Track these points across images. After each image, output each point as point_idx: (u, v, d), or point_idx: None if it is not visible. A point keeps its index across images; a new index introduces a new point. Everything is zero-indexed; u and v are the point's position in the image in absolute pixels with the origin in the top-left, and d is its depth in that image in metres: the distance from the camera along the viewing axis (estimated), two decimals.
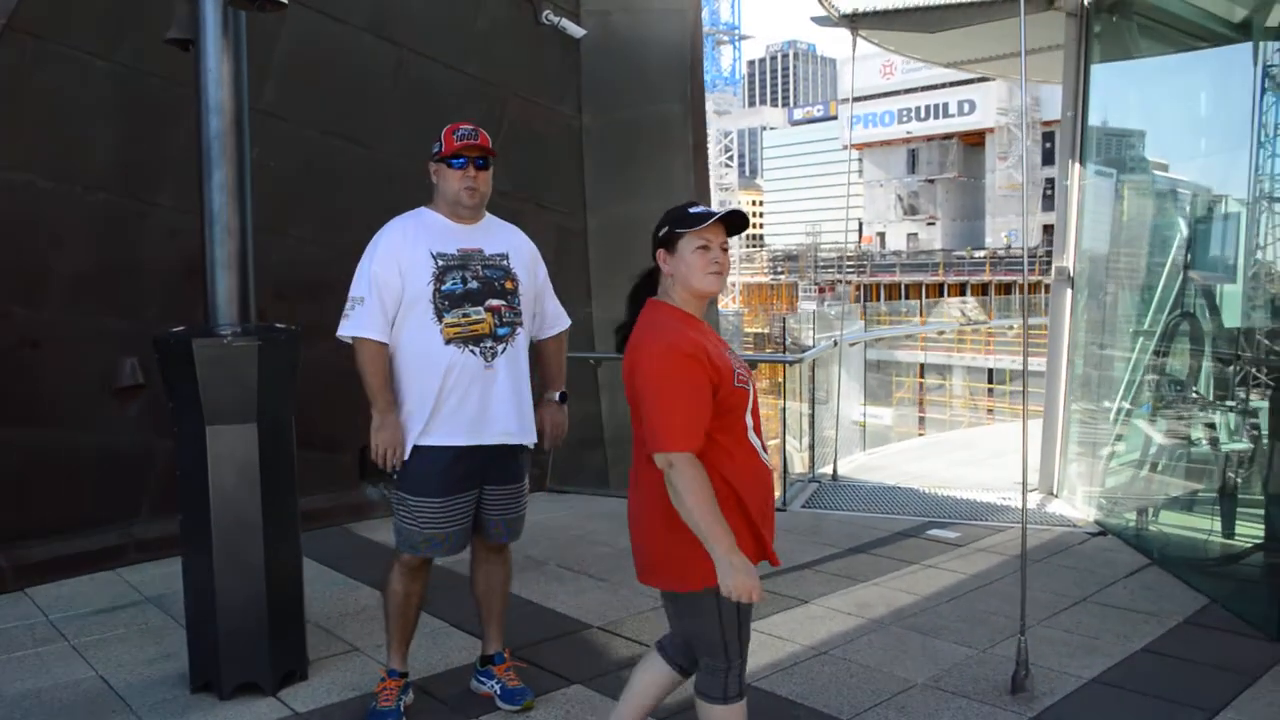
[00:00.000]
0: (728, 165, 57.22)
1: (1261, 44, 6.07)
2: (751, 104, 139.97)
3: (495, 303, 3.52)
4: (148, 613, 4.83)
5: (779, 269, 59.43)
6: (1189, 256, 6.62)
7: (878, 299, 48.68)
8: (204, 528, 3.71)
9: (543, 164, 7.46)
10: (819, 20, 7.89)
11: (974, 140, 57.56)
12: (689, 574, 2.62)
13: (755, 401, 2.71)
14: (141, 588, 5.20)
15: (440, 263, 3.47)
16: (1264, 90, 5.83)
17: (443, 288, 3.44)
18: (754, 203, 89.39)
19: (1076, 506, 6.90)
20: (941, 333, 34.34)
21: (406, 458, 3.47)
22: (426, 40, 6.86)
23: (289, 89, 6.15)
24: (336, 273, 6.47)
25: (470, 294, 3.49)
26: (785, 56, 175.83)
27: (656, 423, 2.55)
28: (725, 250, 2.71)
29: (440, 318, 3.43)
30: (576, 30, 7.50)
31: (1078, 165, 7.26)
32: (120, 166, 5.60)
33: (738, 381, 2.63)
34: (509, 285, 3.58)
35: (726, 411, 2.61)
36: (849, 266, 41.40)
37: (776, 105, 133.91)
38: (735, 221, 2.71)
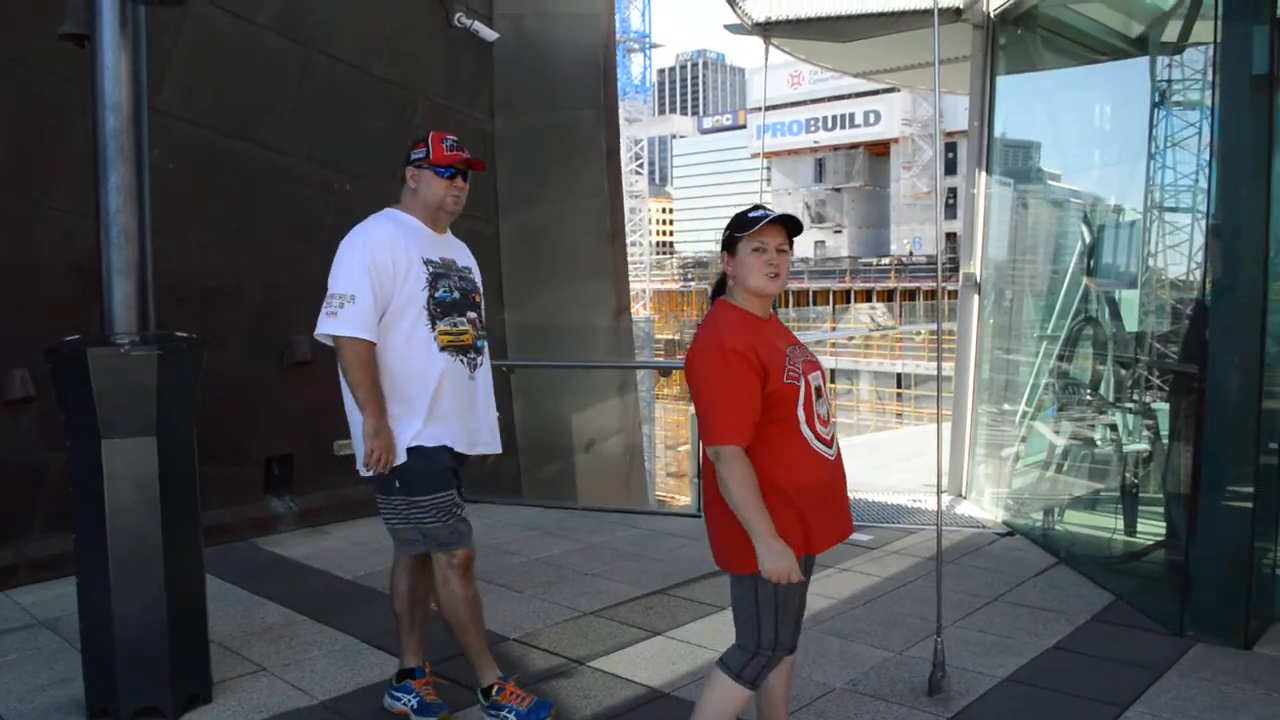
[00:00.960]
0: (638, 173, 57.32)
1: (1157, 59, 6.27)
2: (662, 112, 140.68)
3: (472, 315, 3.59)
4: (40, 636, 4.61)
5: (689, 276, 59.77)
6: (1089, 264, 6.80)
7: (787, 305, 49.27)
8: (100, 546, 3.54)
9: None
10: (732, 28, 7.92)
11: (879, 150, 58.64)
12: (736, 557, 2.76)
13: (809, 394, 2.78)
14: (33, 610, 4.98)
15: (430, 268, 3.49)
16: (1161, 107, 6.03)
17: (436, 294, 3.47)
18: (664, 210, 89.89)
19: (985, 508, 7.02)
20: (850, 338, 34.91)
21: (400, 461, 3.42)
22: (334, 41, 6.71)
23: (190, 88, 5.96)
24: (240, 278, 6.34)
25: (456, 304, 3.53)
26: (695, 65, 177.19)
27: (705, 417, 2.73)
28: (782, 252, 2.84)
29: (434, 324, 3.45)
30: (489, 34, 7.41)
31: (984, 174, 7.40)
32: (10, 166, 5.35)
33: (787, 377, 2.74)
34: (477, 299, 3.65)
35: (776, 405, 2.72)
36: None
37: (686, 114, 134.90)
38: (790, 224, 2.85)
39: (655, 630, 4.59)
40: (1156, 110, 6.07)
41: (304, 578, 5.58)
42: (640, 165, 58.40)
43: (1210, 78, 4.82)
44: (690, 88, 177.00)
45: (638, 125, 59.54)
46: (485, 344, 3.66)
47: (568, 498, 8.73)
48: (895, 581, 5.30)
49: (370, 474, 3.47)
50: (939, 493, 4.14)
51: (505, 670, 3.85)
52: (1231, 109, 4.49)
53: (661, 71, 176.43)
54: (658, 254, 71.30)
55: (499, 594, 5.15)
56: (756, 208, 2.87)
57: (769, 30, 7.63)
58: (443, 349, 3.46)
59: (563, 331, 8.91)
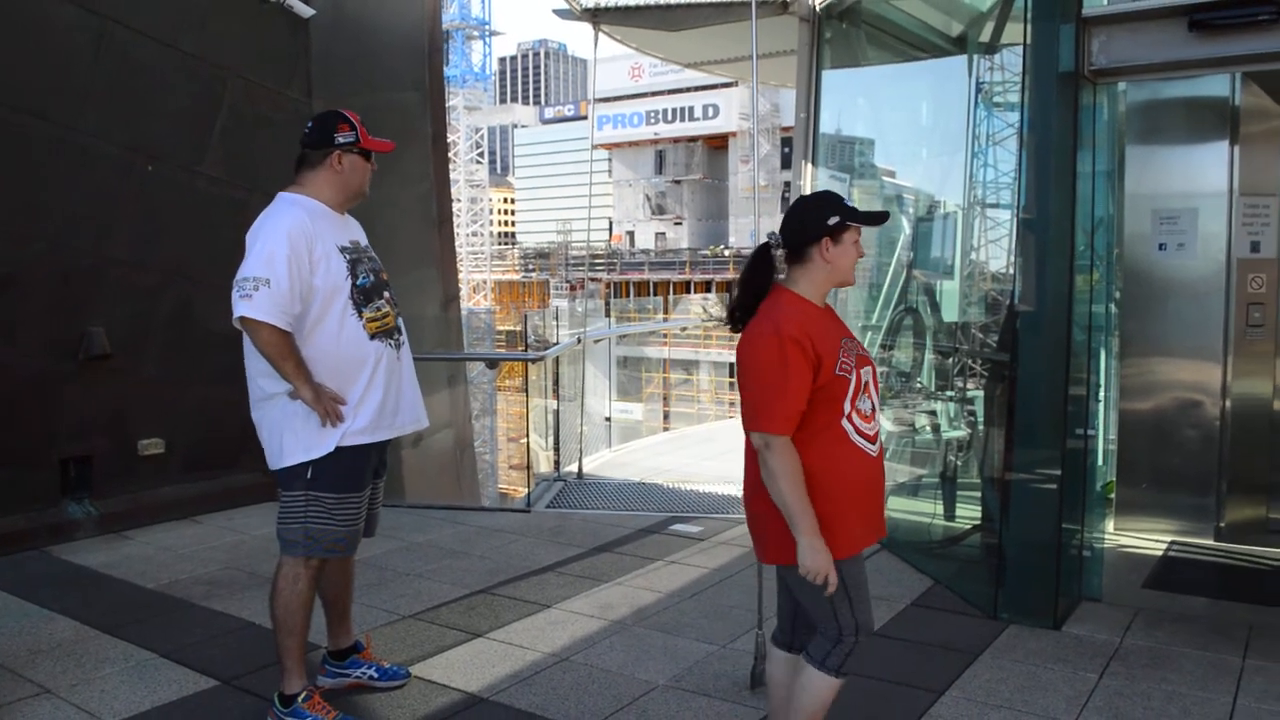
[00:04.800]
0: (479, 162, 56.52)
1: (976, 58, 6.44)
2: (503, 101, 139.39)
3: (387, 294, 3.54)
4: None
5: (530, 267, 59.44)
6: (912, 256, 6.96)
7: (627, 296, 49.53)
8: None
9: (269, 150, 6.96)
10: (561, 13, 7.78)
11: (718, 143, 59.56)
12: (791, 549, 2.65)
13: (858, 389, 2.71)
14: None
15: (347, 255, 3.38)
16: (980, 104, 6.18)
17: (357, 281, 3.40)
18: (505, 200, 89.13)
19: None
20: (684, 329, 35.23)
21: (327, 452, 3.34)
22: (134, 12, 6.24)
23: None
24: (30, 266, 5.85)
25: (375, 287, 3.47)
26: (537, 55, 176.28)
27: (755, 403, 2.66)
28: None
29: (360, 312, 3.39)
30: (305, 9, 7.06)
31: (810, 166, 7.48)
32: None
33: (839, 369, 2.67)
34: (384, 277, 3.58)
35: (826, 398, 2.66)
36: (599, 264, 41.89)
37: (528, 103, 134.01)
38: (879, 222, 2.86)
39: (477, 632, 4.44)
40: (978, 109, 6.23)
41: (101, 588, 5.17)
42: (481, 154, 57.64)
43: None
44: (532, 77, 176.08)
45: (479, 114, 58.73)
46: (401, 320, 3.62)
47: (393, 494, 8.43)
48: (722, 573, 5.29)
49: (293, 464, 3.36)
50: None
51: (316, 679, 3.68)
52: (1040, 107, 4.62)
53: (503, 60, 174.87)
54: (499, 244, 70.61)
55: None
56: (833, 194, 2.82)
57: (598, 16, 7.53)
58: (373, 336, 3.42)
59: None
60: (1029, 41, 4.66)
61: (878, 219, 2.88)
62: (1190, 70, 4.81)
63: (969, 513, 5.72)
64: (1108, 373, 6.23)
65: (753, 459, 2.77)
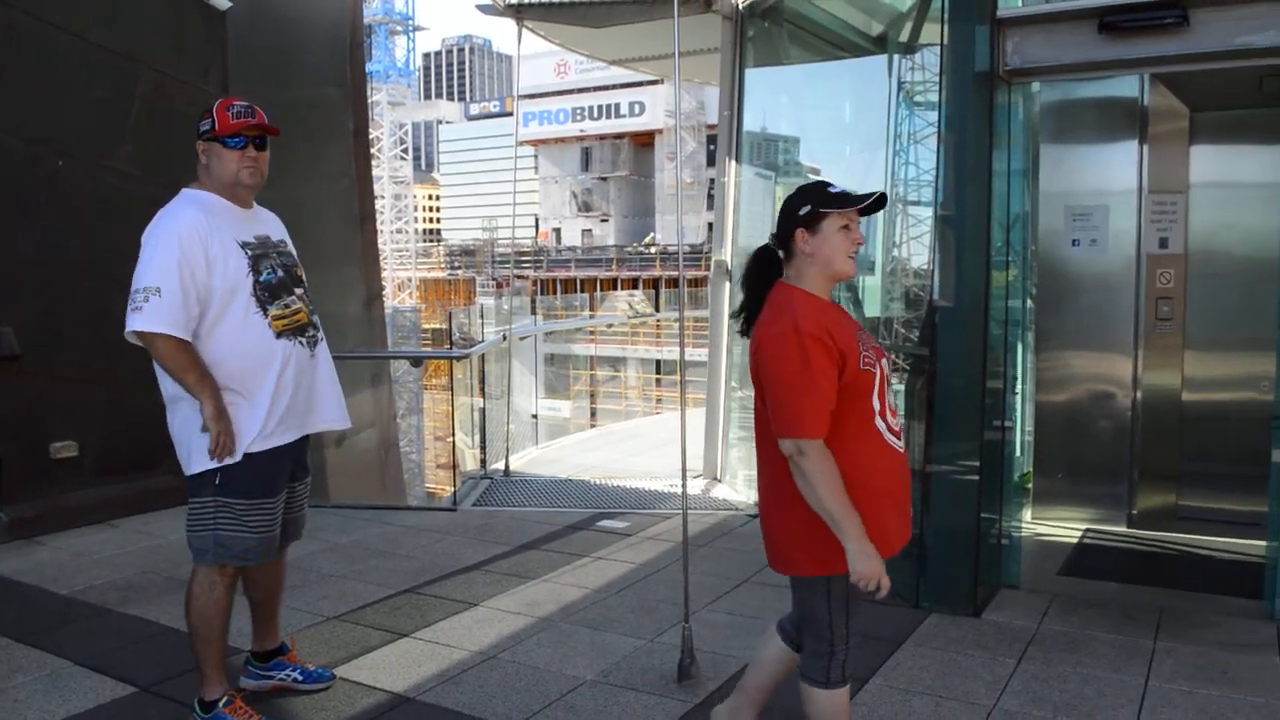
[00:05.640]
0: (403, 158, 55.90)
1: (897, 58, 6.54)
2: (428, 97, 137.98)
3: (299, 291, 3.42)
4: None
5: (456, 264, 58.94)
6: None
7: (554, 293, 49.40)
8: None
9: (186, 146, 6.82)
10: (484, 8, 7.72)
11: (644, 141, 59.65)
12: (805, 558, 2.63)
13: (883, 383, 2.63)
14: None
15: (249, 251, 3.24)
16: (900, 103, 6.28)
17: (260, 278, 3.27)
18: (430, 197, 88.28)
19: (738, 490, 7.17)
20: (610, 325, 35.24)
21: (237, 459, 3.22)
22: (43, 2, 6.06)
23: None
24: None
25: (283, 283, 3.35)
26: (462, 50, 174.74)
27: (783, 408, 2.52)
28: (861, 236, 2.67)
29: (265, 310, 3.27)
30: (222, 1, 6.91)
31: (734, 163, 7.55)
32: None
33: (864, 364, 2.57)
34: (299, 273, 3.48)
35: (853, 395, 2.56)
36: (525, 262, 41.69)
37: (453, 99, 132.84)
38: (877, 205, 2.65)
39: (402, 632, 4.39)
40: (900, 108, 6.33)
41: (12, 596, 5.00)
42: (405, 151, 57.03)
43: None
44: (457, 73, 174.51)
45: (402, 109, 58.10)
46: (318, 317, 3.51)
47: (317, 495, 8.30)
48: (649, 568, 5.31)
49: (201, 470, 3.25)
50: (684, 479, 4.14)
51: (239, 683, 3.62)
52: (957, 106, 4.70)
53: (427, 56, 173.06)
54: (424, 242, 69.90)
55: (235, 603, 4.79)
56: (826, 183, 2.66)
57: (522, 12, 7.50)
58: (280, 335, 3.29)
59: None
60: (946, 42, 4.74)
61: (851, 201, 2.62)
62: (1101, 71, 4.93)
63: None
64: (1024, 366, 6.37)
65: (771, 466, 2.68)
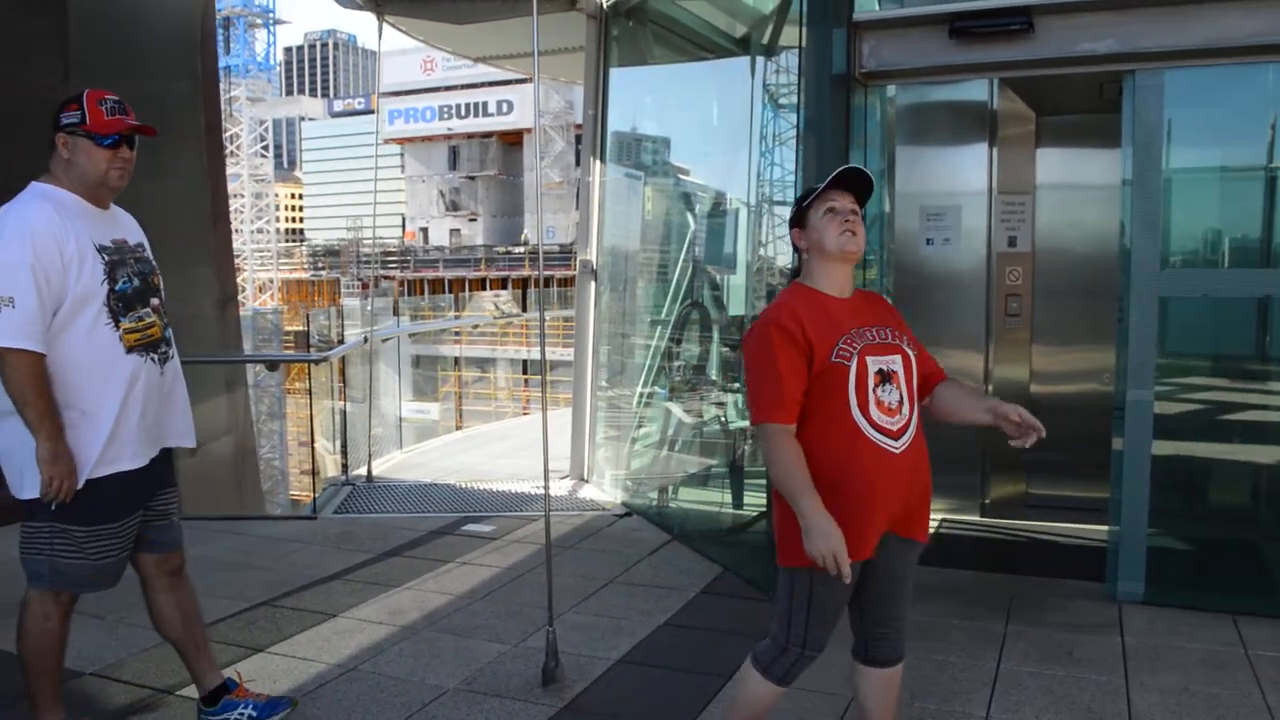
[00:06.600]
0: (263, 155, 54.29)
1: (759, 59, 6.61)
2: (290, 93, 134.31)
3: (155, 302, 3.14)
4: None
5: (320, 265, 57.55)
6: (698, 251, 7.10)
7: (422, 294, 48.69)
8: None
9: (24, 140, 6.42)
10: (343, 2, 7.50)
11: (513, 139, 59.24)
12: (782, 548, 2.65)
13: (863, 377, 2.58)
14: None
15: (105, 256, 2.95)
16: (764, 104, 6.35)
17: (116, 287, 2.99)
18: (293, 196, 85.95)
19: (605, 490, 7.15)
20: (476, 326, 34.89)
21: (79, 486, 2.95)
22: None
23: None
24: None
25: (139, 293, 3.07)
26: (325, 45, 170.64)
27: (750, 394, 2.64)
28: (856, 214, 2.70)
29: (117, 322, 2.99)
30: None
31: (599, 163, 7.52)
32: None
33: (836, 356, 2.57)
34: (156, 281, 3.20)
35: (825, 386, 2.58)
36: (391, 262, 40.94)
37: (316, 96, 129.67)
38: (855, 179, 2.70)
39: (257, 646, 4.23)
40: (765, 109, 6.40)
41: None
42: (266, 147, 55.43)
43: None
44: (320, 69, 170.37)
45: (263, 105, 56.47)
46: (170, 331, 3.24)
47: None
48: (515, 571, 5.24)
49: (34, 496, 2.96)
50: (545, 480, 4.10)
51: (79, 710, 3.40)
52: (815, 107, 4.79)
53: (289, 50, 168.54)
54: (286, 241, 68.07)
55: (79, 622, 4.51)
56: (813, 185, 2.75)
57: (382, 7, 7.30)
58: (130, 350, 3.02)
59: None
60: (804, 44, 4.82)
61: (830, 183, 2.69)
62: (951, 75, 5.08)
63: (755, 500, 5.88)
64: None
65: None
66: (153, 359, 3.10)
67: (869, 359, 2.60)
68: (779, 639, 2.73)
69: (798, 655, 2.70)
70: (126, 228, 3.21)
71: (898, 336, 2.72)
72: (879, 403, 2.59)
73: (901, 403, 2.63)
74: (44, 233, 2.88)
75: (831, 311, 2.66)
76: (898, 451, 2.60)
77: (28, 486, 2.98)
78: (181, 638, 3.39)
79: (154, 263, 3.24)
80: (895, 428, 2.61)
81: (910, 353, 2.71)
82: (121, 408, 3.01)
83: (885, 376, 2.62)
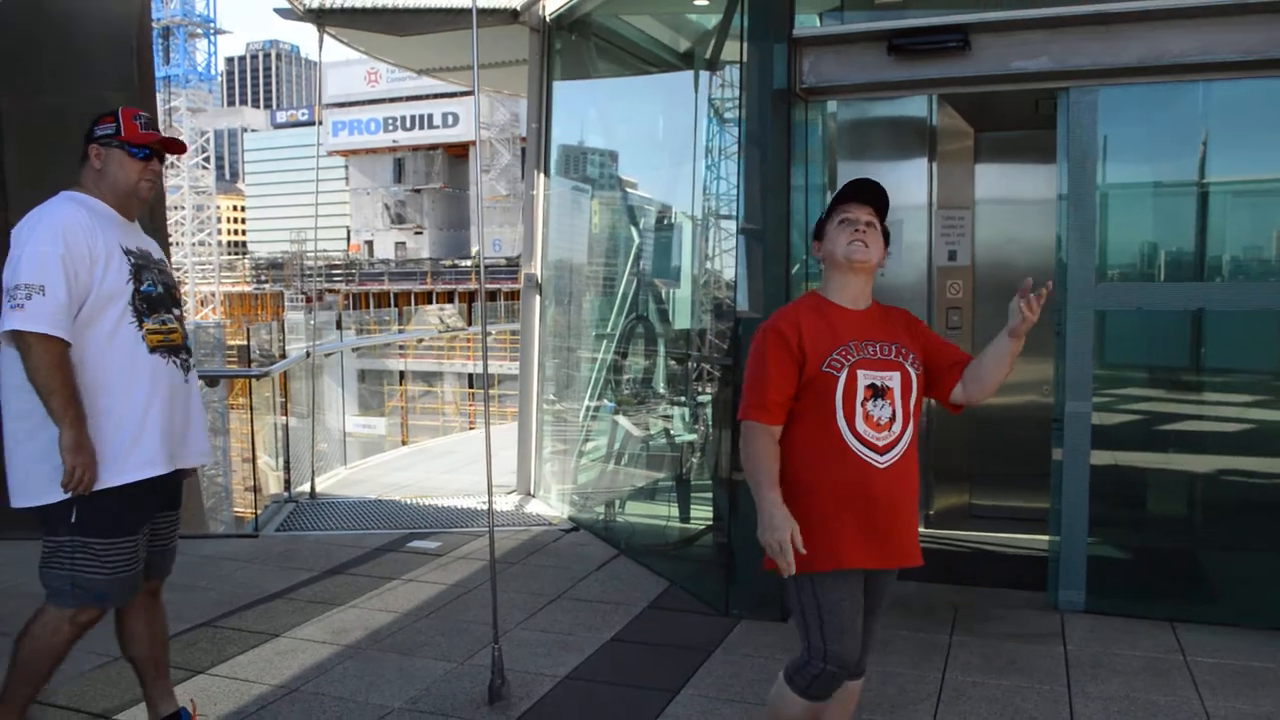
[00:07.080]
0: (204, 167, 53.60)
1: (702, 74, 6.65)
2: (231, 104, 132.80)
3: (178, 312, 3.22)
4: None
5: (263, 278, 56.81)
6: (643, 265, 7.11)
7: (367, 308, 48.23)
8: None
9: None
10: (283, 13, 7.41)
11: (458, 152, 59.00)
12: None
13: (852, 390, 2.64)
14: None
15: (131, 259, 3.07)
16: (708, 119, 6.39)
17: (141, 288, 3.07)
18: (235, 208, 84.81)
19: (552, 505, 7.12)
20: (421, 340, 34.62)
21: (99, 489, 2.93)
22: None
23: None
24: None
25: (163, 299, 3.15)
26: (268, 56, 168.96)
27: (743, 393, 2.71)
28: (870, 225, 2.75)
29: (141, 322, 3.05)
30: None
31: (542, 176, 7.51)
32: None
33: (827, 366, 2.64)
34: (178, 294, 3.30)
35: (813, 394, 2.65)
36: (336, 275, 40.52)
37: (259, 107, 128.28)
38: (868, 190, 2.79)
39: (197, 668, 4.14)
40: (710, 123, 6.44)
41: None
42: (207, 159, 54.74)
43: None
44: (263, 79, 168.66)
45: (204, 116, 55.81)
46: (191, 343, 3.32)
47: None
48: (461, 588, 5.20)
49: (37, 505, 2.96)
50: (489, 496, 4.08)
51: None
52: (757, 122, 4.82)
53: (231, 61, 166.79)
54: (229, 254, 67.19)
55: (5, 645, 4.42)
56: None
57: (323, 18, 7.23)
58: (153, 350, 3.07)
59: None
60: (745, 60, 4.85)
61: (847, 195, 2.81)
62: (891, 91, 5.14)
63: (702, 514, 5.90)
64: None
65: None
66: (175, 362, 3.15)
67: (860, 372, 2.66)
68: (804, 652, 2.74)
69: (820, 669, 2.69)
70: (149, 243, 3.28)
71: (903, 354, 2.75)
72: (867, 416, 2.65)
73: (893, 420, 2.68)
74: (76, 228, 2.96)
75: (835, 322, 2.73)
76: (881, 466, 2.66)
77: (46, 492, 2.96)
78: (145, 657, 3.36)
79: (175, 279, 3.33)
80: (881, 443, 2.66)
81: (913, 372, 2.75)
82: (145, 405, 3.04)
83: (878, 391, 2.66)
